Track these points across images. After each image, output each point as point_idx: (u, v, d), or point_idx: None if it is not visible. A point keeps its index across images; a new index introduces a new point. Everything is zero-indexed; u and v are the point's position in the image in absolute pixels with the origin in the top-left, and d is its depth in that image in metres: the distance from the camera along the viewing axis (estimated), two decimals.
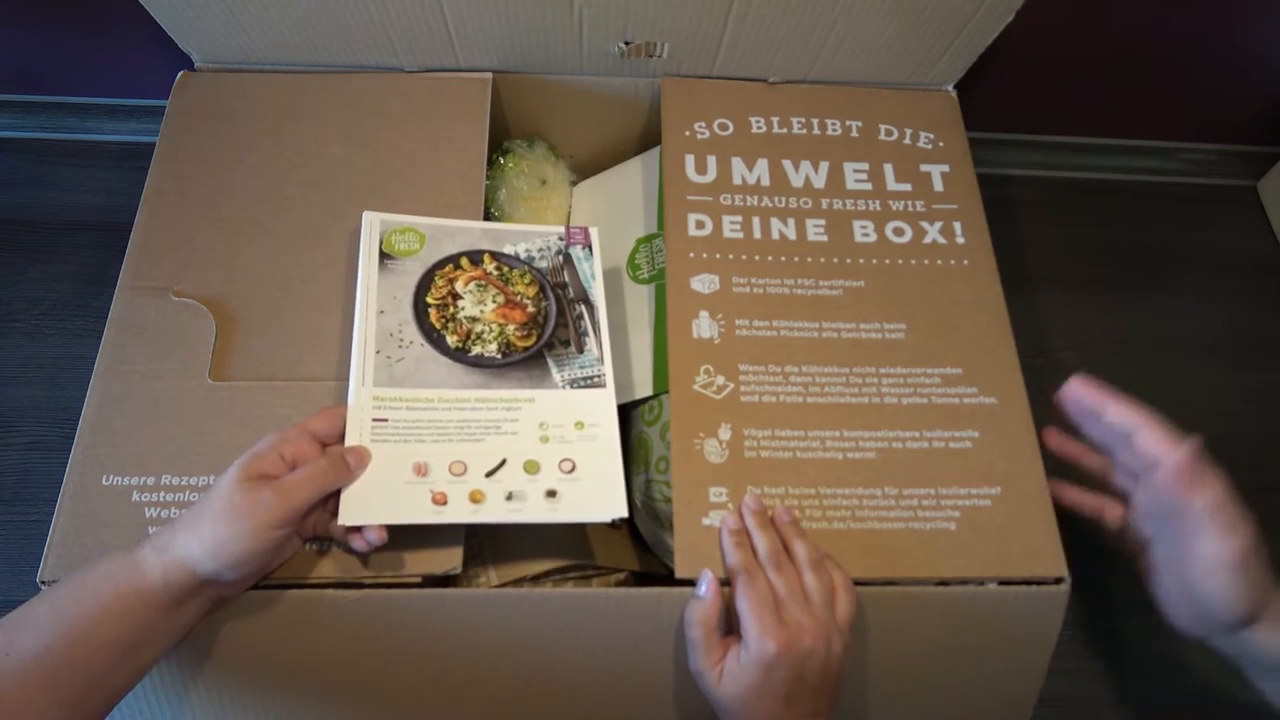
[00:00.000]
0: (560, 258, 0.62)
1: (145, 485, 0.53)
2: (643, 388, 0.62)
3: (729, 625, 0.51)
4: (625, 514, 0.53)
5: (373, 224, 0.60)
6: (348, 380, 0.55)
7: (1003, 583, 0.53)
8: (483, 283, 0.60)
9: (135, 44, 0.77)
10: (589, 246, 0.63)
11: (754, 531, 0.52)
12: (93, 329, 0.60)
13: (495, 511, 0.52)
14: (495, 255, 0.61)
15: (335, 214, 0.62)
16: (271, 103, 0.67)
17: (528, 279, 0.61)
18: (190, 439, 0.55)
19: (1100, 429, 0.53)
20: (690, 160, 0.65)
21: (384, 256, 0.59)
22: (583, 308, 0.61)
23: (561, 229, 0.64)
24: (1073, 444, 0.57)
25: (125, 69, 0.82)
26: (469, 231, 0.62)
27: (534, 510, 0.52)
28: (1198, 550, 0.48)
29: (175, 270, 0.60)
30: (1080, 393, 0.53)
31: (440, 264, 0.60)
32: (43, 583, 0.51)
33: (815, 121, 0.68)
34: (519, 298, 0.60)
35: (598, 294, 0.61)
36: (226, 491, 0.46)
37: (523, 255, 0.62)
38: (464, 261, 0.61)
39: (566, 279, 0.62)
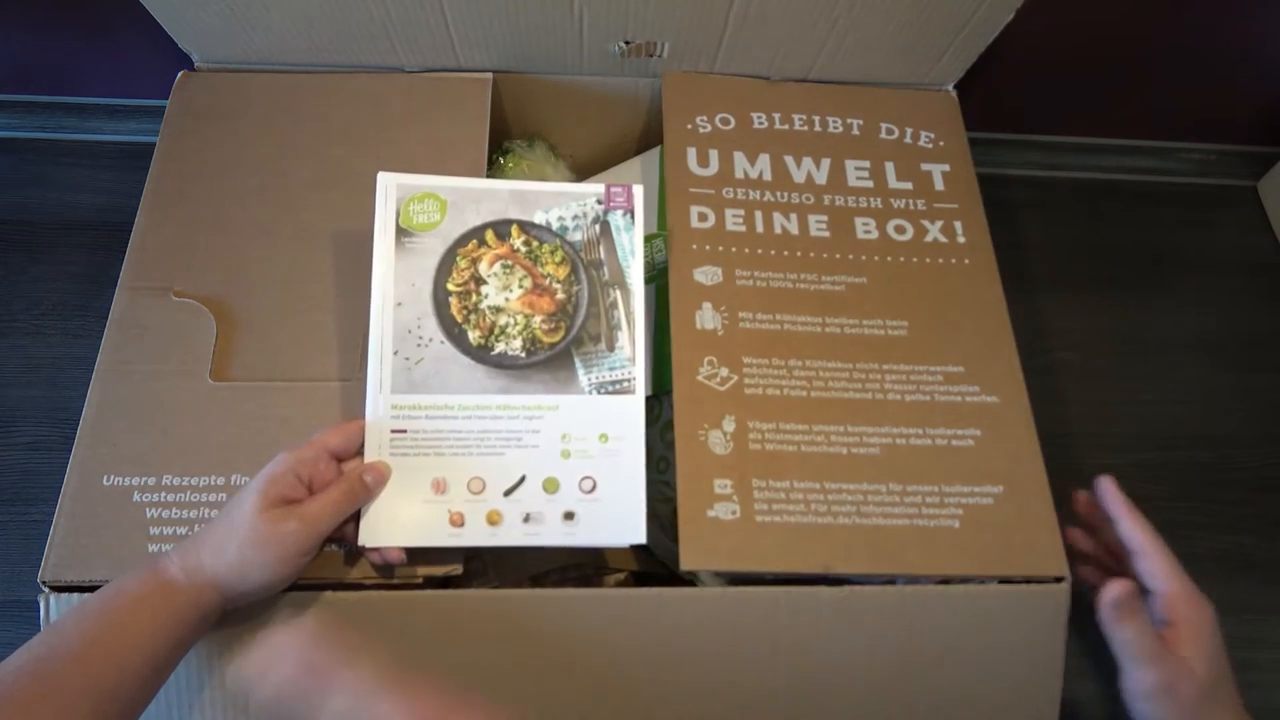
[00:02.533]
0: (597, 227, 0.57)
1: (145, 485, 0.53)
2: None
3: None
4: (644, 540, 0.52)
5: (389, 188, 0.56)
6: (352, 380, 0.55)
7: (1004, 581, 0.53)
8: (509, 263, 0.56)
9: (135, 44, 0.77)
10: (631, 212, 0.58)
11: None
12: (93, 329, 0.60)
13: (512, 535, 0.52)
14: (524, 226, 0.57)
15: (335, 214, 0.62)
16: (271, 103, 0.67)
17: (559, 256, 0.56)
18: (190, 439, 0.55)
19: (1113, 534, 0.56)
20: (692, 153, 0.65)
21: (401, 233, 0.55)
22: (617, 293, 0.56)
23: (601, 188, 0.58)
24: (1091, 542, 0.59)
25: (125, 69, 0.82)
26: (495, 195, 0.57)
27: (551, 534, 0.52)
28: (1126, 675, 0.52)
29: (175, 270, 0.60)
30: (1103, 494, 0.56)
31: (463, 239, 0.56)
32: (43, 583, 0.51)
33: (816, 119, 0.68)
34: (548, 281, 0.56)
35: (635, 274, 0.56)
36: (250, 520, 0.46)
37: (555, 225, 0.57)
38: (489, 236, 0.56)
39: (602, 255, 0.57)
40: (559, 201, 0.58)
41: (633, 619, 0.52)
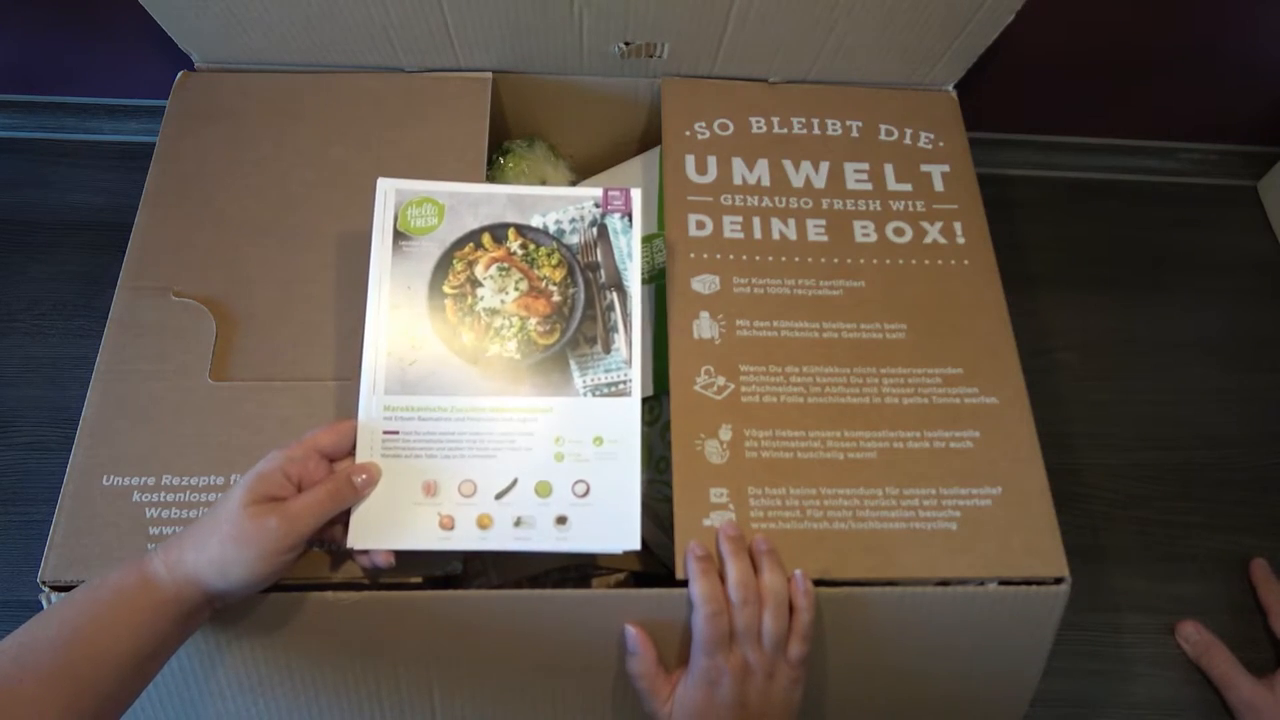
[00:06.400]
0: (594, 230, 0.57)
1: (145, 485, 0.53)
2: (643, 388, 0.62)
3: (679, 655, 0.53)
4: (637, 546, 0.52)
5: (388, 194, 0.56)
6: (350, 380, 0.55)
7: (1003, 583, 0.53)
8: (505, 265, 0.55)
9: (135, 44, 0.76)
10: (629, 215, 0.57)
11: (727, 559, 0.51)
12: (93, 329, 0.60)
13: (502, 539, 0.51)
14: (521, 230, 0.56)
15: (335, 214, 0.62)
16: (271, 103, 0.67)
17: (555, 259, 0.56)
18: (190, 439, 0.55)
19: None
20: (690, 160, 0.65)
21: (399, 236, 0.55)
22: (614, 295, 0.56)
23: (598, 192, 0.58)
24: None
25: (125, 69, 0.82)
26: (493, 199, 0.57)
27: (542, 539, 0.52)
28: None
29: (175, 270, 0.60)
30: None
31: (459, 243, 0.56)
32: (43, 583, 0.51)
33: (815, 122, 0.68)
34: (544, 283, 0.56)
35: (632, 276, 0.56)
36: (234, 516, 0.46)
37: (552, 228, 0.57)
38: (486, 240, 0.56)
39: (599, 258, 0.56)
40: (556, 205, 0.57)
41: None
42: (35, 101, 0.86)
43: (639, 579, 0.66)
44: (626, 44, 0.66)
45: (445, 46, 0.66)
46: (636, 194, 0.58)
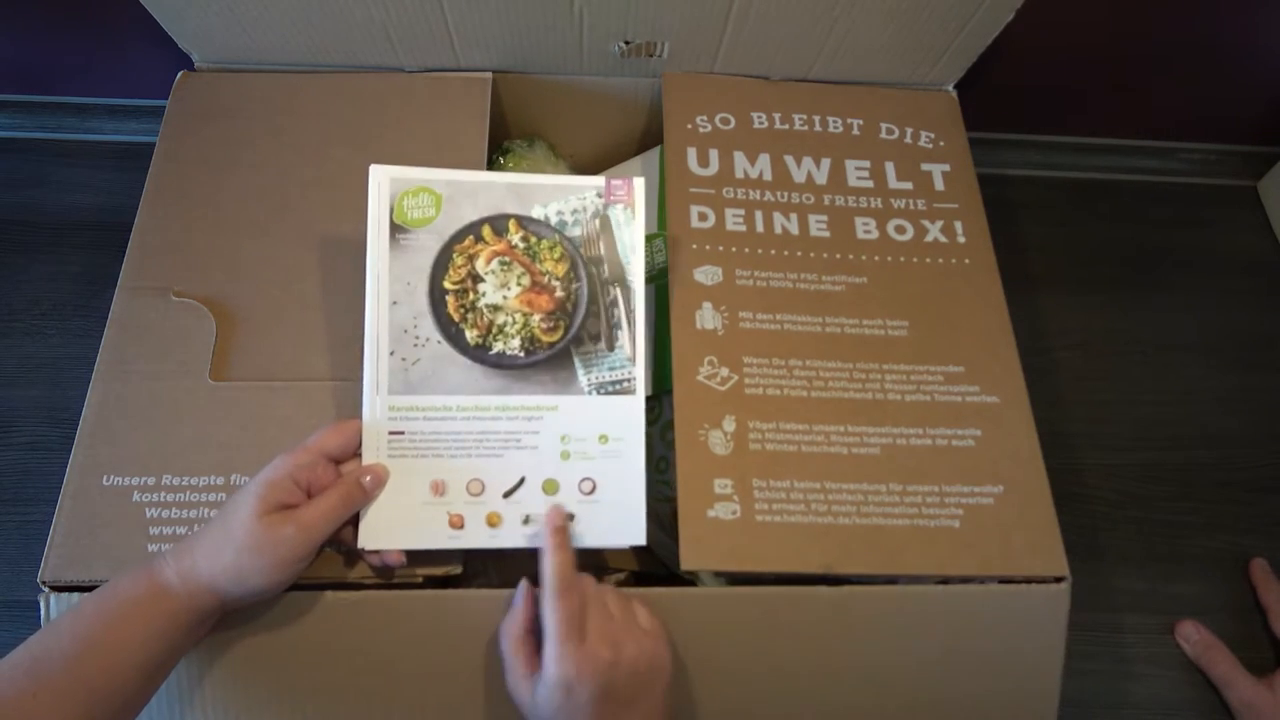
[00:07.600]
0: (596, 222, 0.56)
1: (145, 485, 0.53)
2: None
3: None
4: (644, 542, 0.52)
5: (381, 183, 0.54)
6: (350, 380, 0.55)
7: (1004, 581, 0.53)
8: (507, 260, 0.55)
9: (135, 44, 0.77)
10: (631, 206, 0.56)
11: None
12: (93, 329, 0.60)
13: (512, 537, 0.52)
14: (522, 221, 0.55)
15: (335, 214, 0.62)
16: (271, 103, 0.67)
17: (558, 253, 0.55)
18: (190, 439, 0.55)
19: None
20: (692, 153, 0.65)
21: (395, 229, 0.54)
22: (617, 291, 0.55)
23: (601, 182, 0.56)
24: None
25: (125, 69, 0.82)
26: (492, 188, 0.55)
27: None
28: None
29: (175, 270, 0.60)
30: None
31: (459, 235, 0.55)
32: (43, 583, 0.51)
33: (817, 119, 0.68)
34: (546, 278, 0.55)
35: (635, 271, 0.55)
36: (248, 525, 0.46)
37: (554, 220, 0.55)
38: (486, 232, 0.55)
39: (602, 251, 0.55)
40: (558, 195, 0.56)
41: None
42: (35, 101, 0.86)
43: (639, 579, 0.66)
44: (626, 43, 0.66)
45: (445, 46, 0.66)
46: (639, 184, 0.56)
